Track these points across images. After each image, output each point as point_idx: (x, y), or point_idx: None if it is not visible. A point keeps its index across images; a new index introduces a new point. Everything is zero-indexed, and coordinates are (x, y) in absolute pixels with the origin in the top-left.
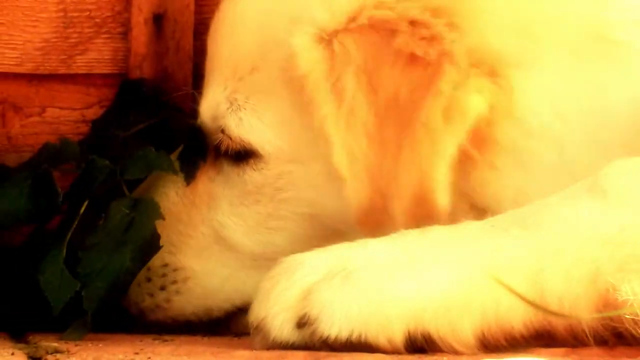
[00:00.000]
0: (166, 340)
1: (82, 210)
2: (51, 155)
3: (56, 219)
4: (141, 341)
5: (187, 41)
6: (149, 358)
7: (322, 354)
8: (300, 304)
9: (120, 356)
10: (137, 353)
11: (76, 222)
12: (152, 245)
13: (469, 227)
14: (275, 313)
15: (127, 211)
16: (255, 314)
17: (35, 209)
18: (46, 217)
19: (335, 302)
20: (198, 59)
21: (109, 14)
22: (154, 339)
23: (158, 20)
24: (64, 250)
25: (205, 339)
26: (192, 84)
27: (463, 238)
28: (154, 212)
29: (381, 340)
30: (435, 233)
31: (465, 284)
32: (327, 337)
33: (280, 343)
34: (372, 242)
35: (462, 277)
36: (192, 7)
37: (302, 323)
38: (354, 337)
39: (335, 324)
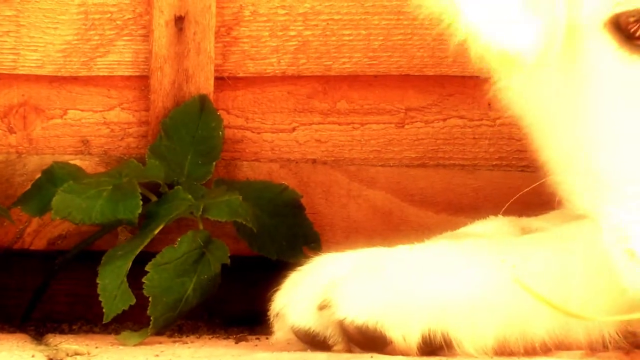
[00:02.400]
0: (186, 343)
1: (156, 232)
2: (133, 171)
3: None
4: (161, 343)
5: (208, 43)
6: None
7: (344, 355)
8: (325, 292)
9: (141, 358)
10: (157, 355)
11: (148, 241)
12: (214, 284)
13: (503, 239)
14: (298, 300)
15: (202, 244)
16: (278, 302)
17: (110, 213)
18: (117, 225)
19: (359, 290)
20: (219, 61)
21: (130, 15)
22: (174, 342)
23: (179, 22)
24: (129, 264)
25: (225, 341)
26: (214, 86)
27: (496, 246)
28: (224, 255)
29: (396, 333)
30: (467, 241)
31: (491, 289)
32: (344, 319)
33: (298, 329)
34: (404, 246)
35: (489, 282)
36: (213, 9)
37: (322, 306)
38: (370, 324)
39: (354, 308)
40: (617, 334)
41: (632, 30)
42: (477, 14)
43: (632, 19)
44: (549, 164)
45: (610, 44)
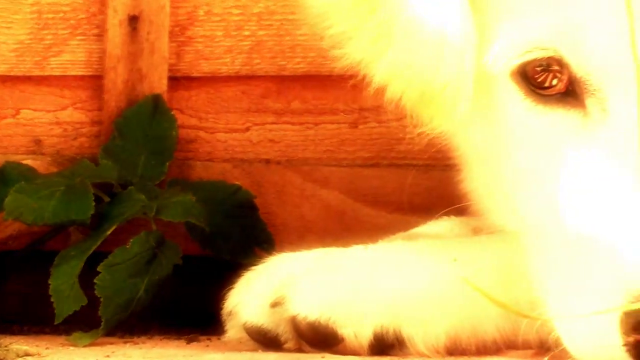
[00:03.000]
0: (137, 344)
1: (108, 233)
2: (86, 171)
3: None
4: (112, 344)
5: (162, 43)
6: None
7: (295, 355)
8: (278, 290)
9: (92, 359)
10: (108, 356)
11: (100, 242)
12: (166, 285)
13: (455, 239)
14: (251, 298)
15: (154, 244)
16: (231, 300)
17: (63, 214)
18: (70, 225)
19: (313, 288)
20: (173, 61)
21: (83, 15)
22: (125, 342)
23: (133, 21)
24: (81, 265)
25: (177, 342)
26: (167, 85)
27: (448, 245)
28: (176, 255)
29: (348, 330)
30: (420, 241)
31: (443, 287)
32: (296, 316)
33: (250, 326)
34: (358, 246)
35: (441, 281)
36: (167, 8)
37: (275, 303)
38: (322, 320)
39: (307, 304)
40: None
41: (540, 79)
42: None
43: (539, 69)
44: (475, 194)
45: (518, 93)
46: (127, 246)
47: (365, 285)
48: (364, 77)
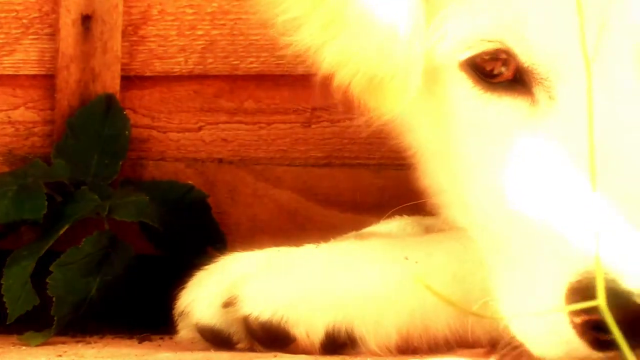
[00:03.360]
0: (89, 343)
1: (61, 232)
2: (39, 170)
3: None
4: (64, 344)
5: (115, 42)
6: None
7: (247, 354)
8: (230, 289)
9: (44, 358)
10: (60, 355)
11: (53, 241)
12: (118, 284)
13: (407, 238)
14: (203, 298)
15: (107, 244)
16: (183, 300)
17: (15, 213)
18: (22, 225)
19: (265, 288)
20: (126, 60)
21: (36, 14)
22: (78, 342)
23: (86, 20)
24: (34, 265)
25: (129, 341)
26: (120, 85)
27: (400, 244)
28: (129, 255)
29: (300, 330)
30: (372, 240)
31: (395, 286)
32: (249, 316)
33: (202, 326)
34: (310, 245)
35: (393, 279)
36: (120, 8)
37: (227, 303)
38: (275, 320)
39: (259, 304)
40: None
41: (488, 68)
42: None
43: (487, 57)
44: (427, 189)
45: (466, 82)
46: (80, 246)
47: (317, 284)
48: (316, 77)
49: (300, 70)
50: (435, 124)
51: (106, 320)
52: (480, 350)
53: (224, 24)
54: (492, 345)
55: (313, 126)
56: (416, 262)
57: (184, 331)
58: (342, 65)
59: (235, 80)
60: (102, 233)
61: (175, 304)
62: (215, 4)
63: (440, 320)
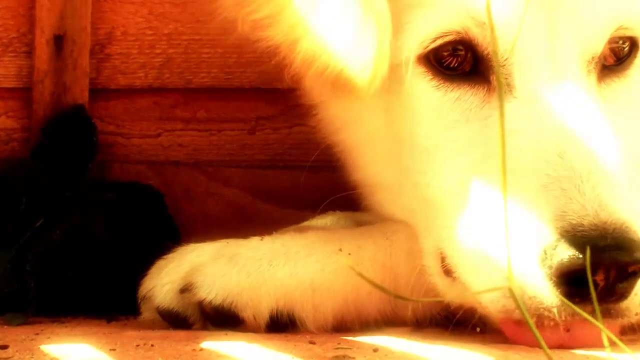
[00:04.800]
0: (63, 322)
1: (37, 224)
2: (17, 170)
3: None
4: (41, 323)
5: (84, 59)
6: (49, 338)
7: (202, 333)
8: (187, 277)
9: (23, 336)
10: (37, 334)
11: (29, 234)
12: (89, 273)
13: (340, 231)
14: (163, 283)
15: (78, 236)
16: (145, 286)
17: None
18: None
19: (218, 274)
20: (93, 75)
21: (14, 35)
22: (53, 322)
23: (58, 40)
24: (13, 253)
25: (98, 321)
26: (89, 97)
27: (334, 236)
28: (97, 246)
29: (248, 313)
30: (310, 233)
31: (332, 273)
32: (203, 300)
33: (162, 309)
34: (256, 237)
35: (330, 268)
36: (88, 29)
37: (184, 289)
38: (225, 304)
39: (213, 290)
40: (440, 313)
41: (446, 62)
42: (319, 38)
43: (445, 53)
44: (362, 181)
45: (425, 75)
46: (54, 237)
47: (262, 272)
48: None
49: (246, 85)
50: (387, 119)
51: (81, 305)
52: (407, 329)
53: (179, 44)
54: (418, 325)
55: (257, 133)
56: (349, 254)
57: (147, 313)
58: (313, 61)
59: (189, 93)
60: (74, 226)
61: (138, 290)
62: (171, 26)
63: (372, 305)
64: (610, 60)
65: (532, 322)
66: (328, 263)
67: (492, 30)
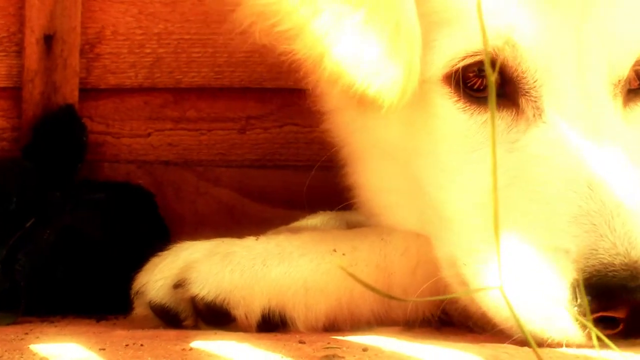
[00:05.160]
0: (53, 322)
1: (28, 224)
2: (7, 170)
3: None
4: (31, 322)
5: (74, 59)
6: (38, 337)
7: (192, 332)
8: (180, 273)
9: (12, 336)
10: (26, 333)
11: (20, 233)
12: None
13: (334, 232)
14: (157, 279)
15: (69, 235)
16: (138, 281)
17: None
18: None
19: (211, 271)
20: (83, 74)
21: (4, 34)
22: (42, 321)
23: (48, 40)
24: (3, 252)
25: (88, 320)
26: (78, 96)
27: (328, 237)
28: (88, 245)
29: (240, 311)
30: (304, 233)
31: (325, 274)
32: (196, 296)
33: (154, 304)
34: (251, 237)
35: (323, 268)
36: (78, 29)
37: (177, 285)
38: (218, 300)
39: (205, 287)
40: (432, 313)
41: (471, 83)
42: (346, 55)
43: (471, 74)
44: (362, 188)
45: (450, 96)
46: (45, 237)
47: (256, 271)
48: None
49: (236, 84)
50: (406, 131)
51: (71, 304)
52: (397, 329)
53: (169, 43)
54: (409, 325)
55: (247, 133)
56: (343, 254)
57: (139, 309)
58: (339, 77)
59: (179, 93)
60: (65, 225)
61: (131, 286)
62: (161, 26)
63: (365, 305)
64: (635, 84)
65: (522, 322)
66: (322, 263)
67: (482, 29)
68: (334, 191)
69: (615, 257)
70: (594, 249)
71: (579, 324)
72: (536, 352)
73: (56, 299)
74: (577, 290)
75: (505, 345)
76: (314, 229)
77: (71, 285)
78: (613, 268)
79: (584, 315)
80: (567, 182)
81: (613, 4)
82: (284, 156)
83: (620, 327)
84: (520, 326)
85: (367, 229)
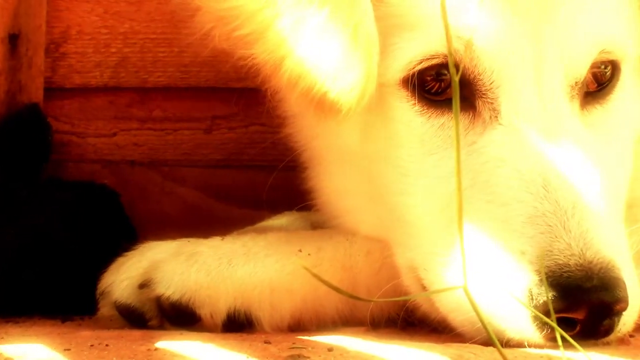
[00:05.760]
0: (17, 322)
1: None
2: None
3: None
4: None
5: (39, 58)
6: (2, 338)
7: (157, 332)
8: (146, 273)
9: None
10: None
11: None
12: (45, 274)
13: (301, 232)
14: (122, 279)
15: (34, 236)
16: (104, 281)
17: None
18: None
19: (177, 271)
20: (49, 74)
21: None
22: (7, 322)
23: (13, 39)
24: None
25: (53, 321)
26: (44, 96)
27: (294, 238)
28: (53, 246)
29: (205, 311)
30: (270, 234)
31: (290, 274)
32: (161, 296)
33: (120, 304)
34: (217, 237)
35: (289, 268)
36: (43, 28)
37: (143, 285)
38: (183, 300)
39: (171, 286)
40: (396, 313)
41: (429, 87)
42: (306, 59)
43: (429, 78)
44: (323, 191)
45: (408, 100)
46: (9, 239)
47: (222, 271)
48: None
49: (202, 84)
50: (365, 135)
51: (36, 305)
52: (362, 328)
53: (134, 43)
54: (374, 325)
55: (213, 132)
56: (309, 255)
57: (104, 309)
58: (298, 81)
59: (145, 92)
60: (29, 225)
61: (97, 286)
62: (127, 25)
63: (330, 305)
64: (592, 87)
65: (485, 322)
66: (287, 264)
67: (446, 29)
68: (299, 191)
69: (570, 258)
70: (549, 250)
71: (536, 324)
72: (500, 352)
73: (21, 300)
74: (532, 291)
75: (469, 344)
76: (279, 229)
77: (36, 286)
78: (568, 269)
79: (544, 315)
80: (523, 184)
81: (571, 7)
82: (250, 156)
83: (578, 328)
84: (483, 325)
85: (332, 230)
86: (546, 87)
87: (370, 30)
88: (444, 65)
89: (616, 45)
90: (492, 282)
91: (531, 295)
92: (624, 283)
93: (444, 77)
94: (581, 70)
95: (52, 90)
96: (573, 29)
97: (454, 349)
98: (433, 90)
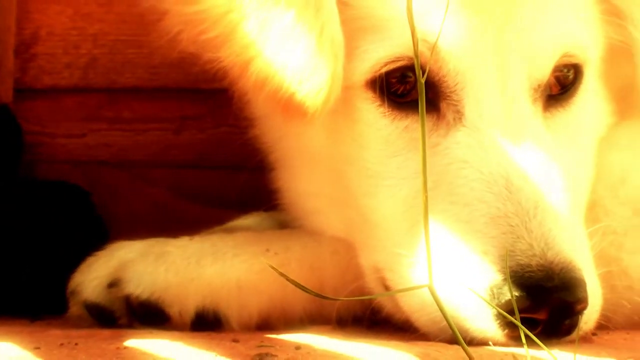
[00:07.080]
0: None
1: None
2: None
3: None
4: None
5: (8, 59)
6: None
7: (127, 331)
8: (115, 272)
9: None
10: None
11: None
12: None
13: (269, 232)
14: (92, 279)
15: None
16: (74, 281)
17: None
18: None
19: (146, 271)
20: (18, 75)
21: None
22: None
23: None
24: None
25: (22, 320)
26: (14, 97)
27: (262, 238)
28: (25, 246)
29: (174, 310)
30: (238, 234)
31: (258, 273)
32: (130, 295)
33: (89, 303)
34: (185, 237)
35: (257, 268)
36: (13, 28)
37: (112, 284)
38: (152, 299)
39: (140, 286)
40: (362, 312)
41: (395, 89)
42: (272, 61)
43: (394, 80)
44: (289, 192)
45: (373, 101)
46: None
47: (190, 271)
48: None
49: (171, 85)
50: (331, 137)
51: (6, 305)
52: (329, 327)
53: (104, 44)
54: (341, 323)
55: (183, 133)
56: (276, 254)
57: (74, 308)
58: (265, 83)
59: (115, 93)
60: (1, 225)
61: (67, 286)
62: (97, 26)
63: (298, 303)
64: (555, 90)
65: (451, 320)
66: (255, 263)
67: (412, 31)
68: (268, 192)
69: (531, 258)
70: (511, 251)
71: (499, 323)
72: (465, 349)
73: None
74: (494, 290)
75: (435, 343)
76: (248, 229)
77: (6, 285)
78: (530, 269)
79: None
80: (486, 185)
81: (534, 10)
82: (219, 157)
83: (540, 327)
84: (448, 322)
85: (300, 230)
86: (509, 89)
87: (336, 33)
88: (409, 68)
89: (578, 48)
90: (455, 282)
91: (493, 294)
92: (585, 283)
93: (408, 79)
94: (544, 73)
95: (22, 91)
96: (535, 32)
97: (420, 347)
98: (398, 93)
